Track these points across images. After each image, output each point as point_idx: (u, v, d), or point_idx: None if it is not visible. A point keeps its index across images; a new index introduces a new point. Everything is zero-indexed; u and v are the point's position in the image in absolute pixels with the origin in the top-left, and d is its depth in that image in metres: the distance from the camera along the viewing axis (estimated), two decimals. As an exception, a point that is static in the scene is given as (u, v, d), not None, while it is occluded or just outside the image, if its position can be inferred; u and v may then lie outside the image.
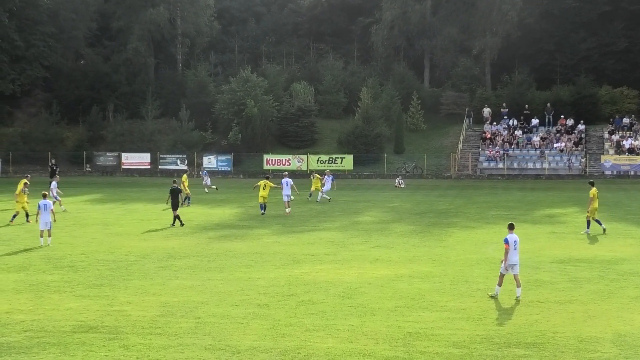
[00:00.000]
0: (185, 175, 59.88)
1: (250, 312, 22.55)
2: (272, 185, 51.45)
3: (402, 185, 74.77)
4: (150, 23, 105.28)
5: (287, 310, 22.91)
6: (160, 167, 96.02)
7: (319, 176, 61.61)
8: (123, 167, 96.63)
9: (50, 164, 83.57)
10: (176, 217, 44.40)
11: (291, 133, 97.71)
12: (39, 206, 36.92)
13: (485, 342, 19.88)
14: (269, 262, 31.36)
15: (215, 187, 70.88)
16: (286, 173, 57.39)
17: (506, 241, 24.99)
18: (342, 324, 21.32)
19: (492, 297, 24.72)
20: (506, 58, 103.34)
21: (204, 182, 70.68)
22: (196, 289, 25.91)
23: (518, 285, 24.85)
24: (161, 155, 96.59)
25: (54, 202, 52.72)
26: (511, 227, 25.56)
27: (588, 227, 40.50)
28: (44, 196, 37.85)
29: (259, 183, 51.22)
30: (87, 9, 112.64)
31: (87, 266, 30.36)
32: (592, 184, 41.87)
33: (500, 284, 24.89)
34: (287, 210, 50.99)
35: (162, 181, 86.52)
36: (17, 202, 46.56)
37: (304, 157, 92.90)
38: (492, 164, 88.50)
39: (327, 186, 60.00)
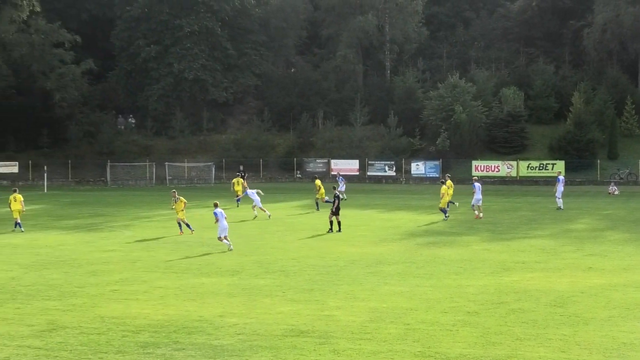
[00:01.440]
0: (318, 181, 59.97)
1: (460, 320, 22.27)
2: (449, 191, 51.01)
3: (615, 192, 72.63)
4: (359, 30, 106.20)
5: (497, 318, 22.51)
6: (368, 173, 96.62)
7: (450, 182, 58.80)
8: (332, 173, 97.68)
9: (239, 171, 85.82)
10: (337, 221, 44.49)
11: (500, 139, 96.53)
12: (215, 214, 37.60)
13: None
14: (478, 269, 30.96)
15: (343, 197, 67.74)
16: (476, 177, 56.13)
17: None
18: (554, 334, 20.78)
19: None
20: None
21: (339, 188, 68.76)
22: (405, 295, 25.79)
23: None
24: (369, 162, 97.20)
25: (253, 207, 53.75)
26: None
27: None
28: (216, 205, 38.48)
29: (442, 191, 50.73)
30: (297, 18, 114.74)
31: (298, 271, 30.71)
32: None
33: None
34: (480, 214, 51.03)
35: (370, 187, 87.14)
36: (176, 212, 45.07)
37: (514, 163, 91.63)
38: None
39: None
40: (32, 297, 25.87)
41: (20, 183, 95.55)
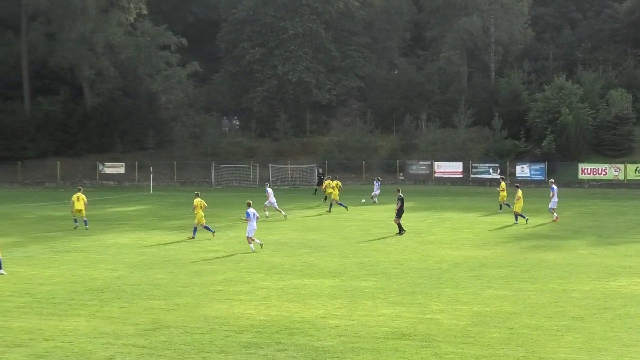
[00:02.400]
0: (328, 181, 62.22)
1: (565, 325, 21.93)
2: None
3: None
4: (463, 32, 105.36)
5: (603, 323, 22.10)
6: (472, 175, 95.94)
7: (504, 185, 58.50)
8: (435, 175, 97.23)
9: (317, 173, 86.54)
10: (398, 224, 44.52)
11: (607, 141, 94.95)
12: (247, 214, 38.16)
13: None
14: (584, 273, 30.46)
15: (373, 200, 69.31)
16: (552, 180, 55.17)
17: None
18: (662, 341, 20.36)
19: None
20: None
21: (374, 192, 69.94)
22: (509, 299, 25.52)
23: None
24: (473, 164, 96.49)
25: (265, 209, 54.11)
26: None
27: None
28: (249, 205, 38.92)
29: (519, 195, 50.14)
30: (401, 19, 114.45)
31: (400, 273, 30.61)
32: None
33: None
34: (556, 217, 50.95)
35: (474, 190, 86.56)
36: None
37: (621, 166, 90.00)
38: None
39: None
40: (137, 296, 26.28)
41: (126, 184, 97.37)
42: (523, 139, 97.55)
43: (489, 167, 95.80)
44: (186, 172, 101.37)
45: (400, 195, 45.31)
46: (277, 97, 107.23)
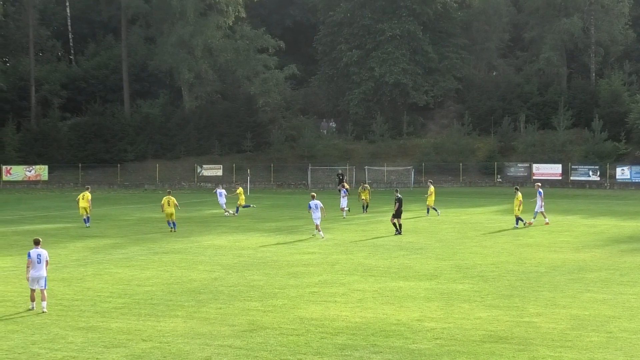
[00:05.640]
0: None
1: (667, 330, 21.57)
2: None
3: None
4: (563, 33, 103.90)
5: None
6: (571, 178, 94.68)
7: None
8: (534, 177, 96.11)
9: (338, 173, 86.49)
10: (398, 224, 45.17)
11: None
12: (309, 206, 43.11)
13: None
14: (686, 278, 29.91)
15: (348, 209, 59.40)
16: (539, 184, 54.53)
17: None
18: None
19: None
20: None
21: (341, 205, 59.50)
22: (608, 302, 25.12)
23: None
24: (572, 166, 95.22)
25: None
26: None
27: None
28: (313, 197, 43.41)
29: (519, 198, 49.91)
30: (499, 20, 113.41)
31: (497, 276, 30.34)
32: None
33: None
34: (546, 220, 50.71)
35: (572, 192, 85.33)
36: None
37: None
38: None
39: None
40: (234, 297, 26.49)
41: (224, 185, 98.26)
42: (624, 141, 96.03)
43: (589, 169, 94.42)
44: (283, 174, 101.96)
45: (397, 196, 45.96)
46: (374, 99, 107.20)
